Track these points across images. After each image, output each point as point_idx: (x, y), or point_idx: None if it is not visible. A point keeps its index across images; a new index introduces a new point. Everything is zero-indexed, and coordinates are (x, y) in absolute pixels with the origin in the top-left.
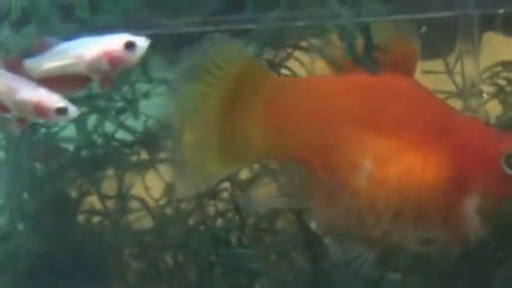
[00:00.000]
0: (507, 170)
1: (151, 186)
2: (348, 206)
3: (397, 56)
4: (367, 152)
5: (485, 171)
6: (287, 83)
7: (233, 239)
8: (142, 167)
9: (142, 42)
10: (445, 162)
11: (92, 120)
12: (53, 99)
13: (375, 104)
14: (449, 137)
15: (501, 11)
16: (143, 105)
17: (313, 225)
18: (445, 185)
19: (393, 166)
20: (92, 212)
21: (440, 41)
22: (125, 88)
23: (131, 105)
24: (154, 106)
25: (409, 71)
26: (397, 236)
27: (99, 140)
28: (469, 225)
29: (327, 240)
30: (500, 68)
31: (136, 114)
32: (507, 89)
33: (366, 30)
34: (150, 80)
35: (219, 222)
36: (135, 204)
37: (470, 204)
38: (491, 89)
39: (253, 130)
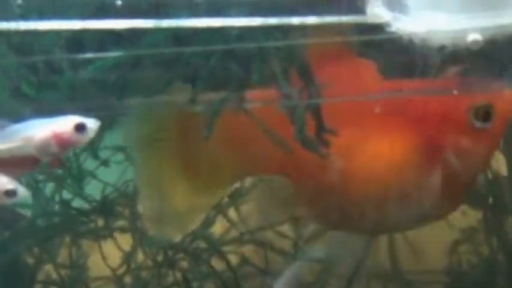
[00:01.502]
0: (477, 124)
1: (109, 255)
2: (330, 205)
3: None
4: (329, 148)
5: (454, 130)
6: None
7: None
8: (99, 236)
9: (92, 124)
10: (410, 134)
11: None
12: (1, 182)
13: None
14: (410, 108)
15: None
16: (101, 172)
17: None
18: (416, 157)
19: (359, 155)
20: (48, 282)
21: None
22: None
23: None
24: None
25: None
26: (390, 221)
27: (56, 208)
28: (454, 188)
29: None
30: None
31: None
32: None
33: (316, 112)
34: (96, 157)
35: None
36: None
37: (449, 169)
38: None
39: (220, 158)
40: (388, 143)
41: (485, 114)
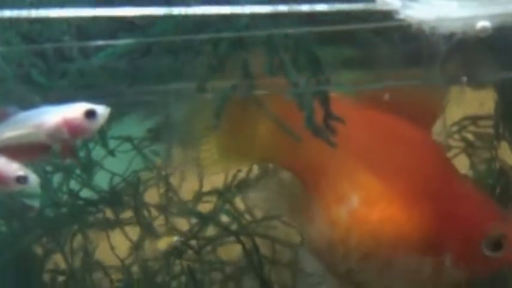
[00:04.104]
0: (486, 252)
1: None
2: (322, 232)
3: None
4: (357, 187)
5: (463, 246)
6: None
7: None
8: (107, 226)
9: (102, 111)
10: (427, 223)
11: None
12: (12, 168)
13: (378, 141)
14: (441, 200)
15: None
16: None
17: None
18: (419, 245)
19: (377, 210)
20: (56, 271)
21: None
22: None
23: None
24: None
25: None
26: (360, 278)
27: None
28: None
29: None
30: (468, 123)
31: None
32: (475, 143)
33: (324, 100)
34: (105, 145)
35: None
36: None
37: (440, 271)
38: (460, 144)
39: (260, 131)
40: (406, 215)
41: (497, 243)
